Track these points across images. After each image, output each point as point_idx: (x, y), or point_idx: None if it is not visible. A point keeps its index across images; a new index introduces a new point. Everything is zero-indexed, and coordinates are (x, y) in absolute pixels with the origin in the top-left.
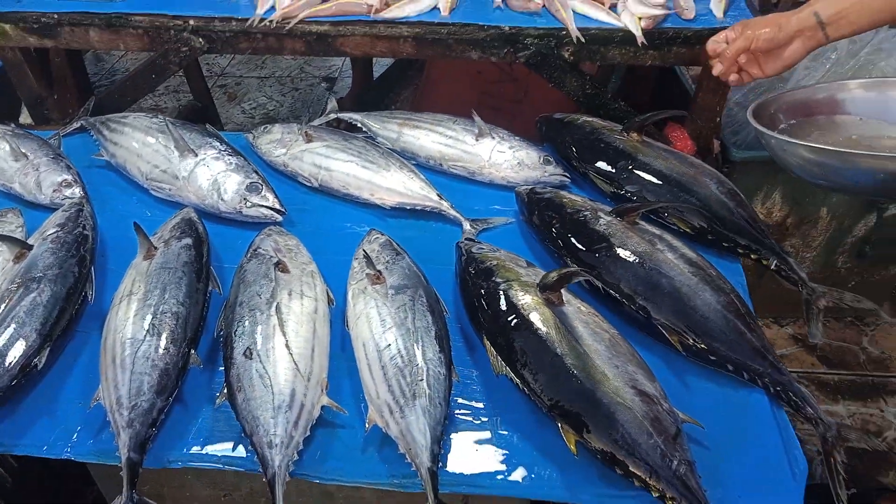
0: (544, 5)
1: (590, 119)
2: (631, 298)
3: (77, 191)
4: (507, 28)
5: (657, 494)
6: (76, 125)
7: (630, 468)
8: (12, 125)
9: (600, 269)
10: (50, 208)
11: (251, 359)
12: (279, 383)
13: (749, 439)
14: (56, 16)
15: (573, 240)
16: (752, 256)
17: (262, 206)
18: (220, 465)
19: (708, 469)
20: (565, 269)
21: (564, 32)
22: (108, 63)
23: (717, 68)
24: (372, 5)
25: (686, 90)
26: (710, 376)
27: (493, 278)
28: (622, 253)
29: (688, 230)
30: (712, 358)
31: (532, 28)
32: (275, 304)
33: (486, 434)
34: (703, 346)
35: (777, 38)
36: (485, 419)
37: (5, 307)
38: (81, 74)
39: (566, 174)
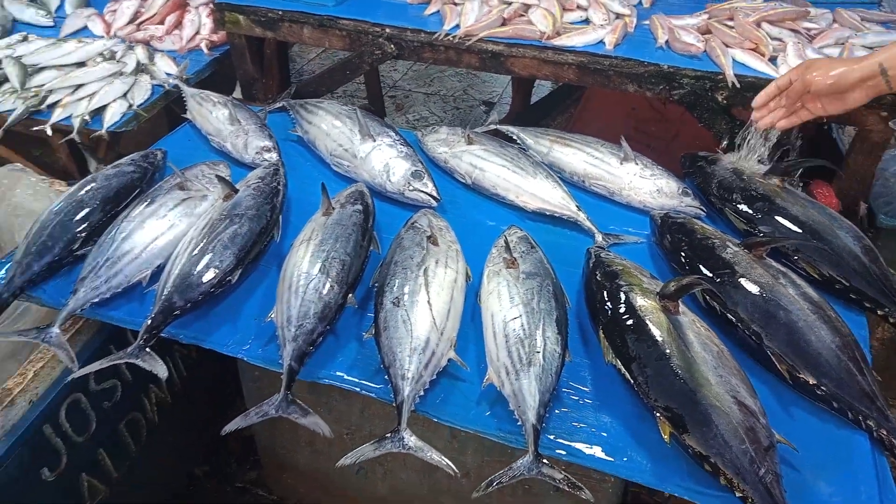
0: (705, 50)
1: (734, 159)
2: (745, 323)
3: (274, 156)
4: (665, 66)
5: (740, 495)
6: (279, 104)
7: (718, 465)
8: (231, 97)
9: (720, 294)
10: (251, 166)
11: (398, 307)
12: (418, 330)
13: (843, 474)
14: (280, 12)
15: (699, 263)
16: (879, 312)
17: (422, 191)
18: (358, 389)
19: (794, 488)
20: (685, 279)
21: (721, 77)
22: (299, 64)
23: (764, 120)
24: (544, 32)
25: (838, 150)
26: (813, 410)
27: (617, 280)
28: (744, 281)
29: (815, 276)
30: (818, 393)
31: (690, 69)
32: (423, 267)
33: (588, 413)
34: (811, 380)
35: (839, 85)
36: (588, 401)
37: (214, 234)
38: (284, 66)
39: (702, 207)
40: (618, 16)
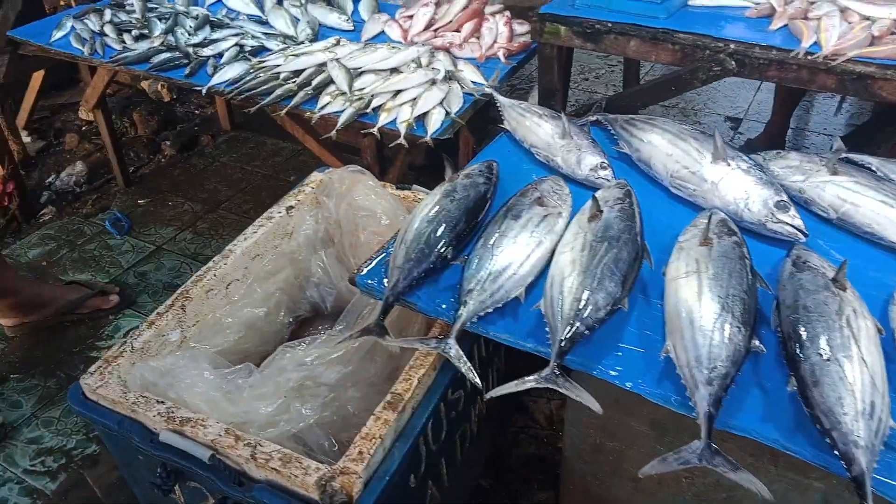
0: None
1: None
2: None
3: (610, 173)
4: None
5: None
6: (593, 118)
7: None
8: (555, 111)
9: None
10: (582, 184)
11: (830, 361)
12: (859, 390)
13: None
14: (609, 24)
15: None
16: None
17: (789, 224)
18: (779, 446)
19: None
20: None
21: None
22: None
23: None
24: None
25: None
26: None
27: None
28: None
29: None
30: None
31: None
32: (844, 316)
33: None
34: None
35: None
36: None
37: (597, 258)
38: (569, 78)
39: None
40: None
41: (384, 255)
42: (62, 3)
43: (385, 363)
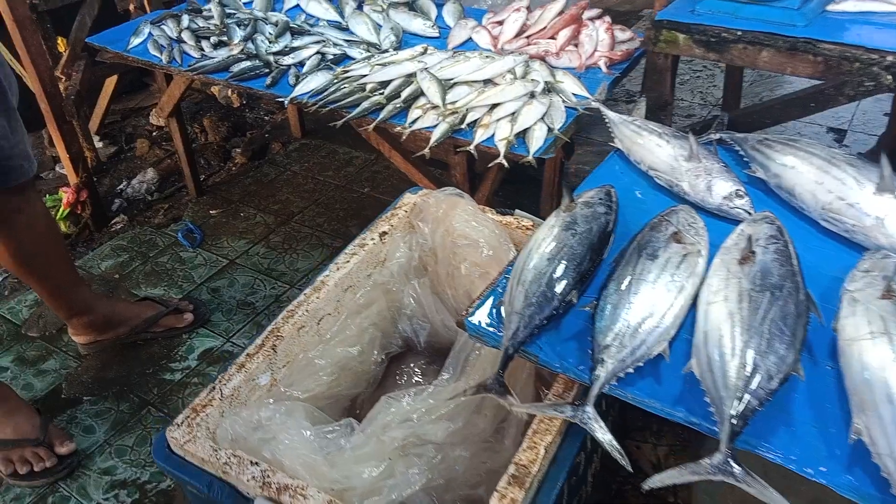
0: None
1: None
2: None
3: (747, 203)
4: None
5: None
6: (715, 136)
7: None
8: (674, 128)
9: None
10: (713, 213)
11: None
12: None
13: None
14: (739, 32)
15: None
16: None
17: None
18: None
19: None
20: None
21: None
22: None
23: None
24: None
25: None
26: None
27: None
28: None
29: None
30: None
31: None
32: None
33: None
34: None
35: None
36: None
37: (762, 313)
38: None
39: None
40: None
41: (495, 294)
42: (132, 6)
43: (494, 416)
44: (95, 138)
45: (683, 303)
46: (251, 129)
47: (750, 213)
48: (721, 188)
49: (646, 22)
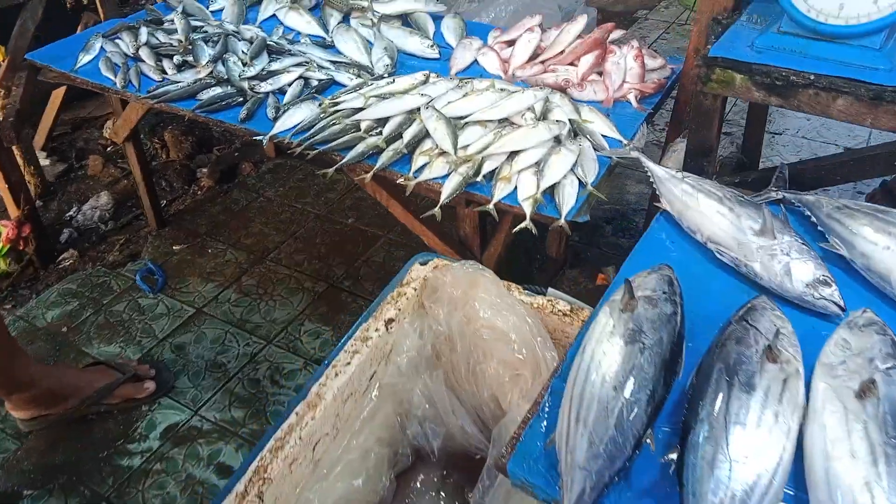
0: None
1: None
2: None
3: (835, 293)
4: None
5: None
6: (775, 196)
7: None
8: (734, 190)
9: None
10: (792, 302)
11: None
12: None
13: None
14: (811, 76)
15: None
16: None
17: None
18: None
19: None
20: None
21: None
22: None
23: None
24: None
25: None
26: None
27: None
28: None
29: None
30: None
31: None
32: None
33: None
34: None
35: None
36: None
37: None
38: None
39: None
40: None
41: (540, 423)
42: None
43: None
44: (41, 155)
45: (792, 449)
46: (219, 145)
47: (840, 306)
48: (803, 272)
49: (675, 45)
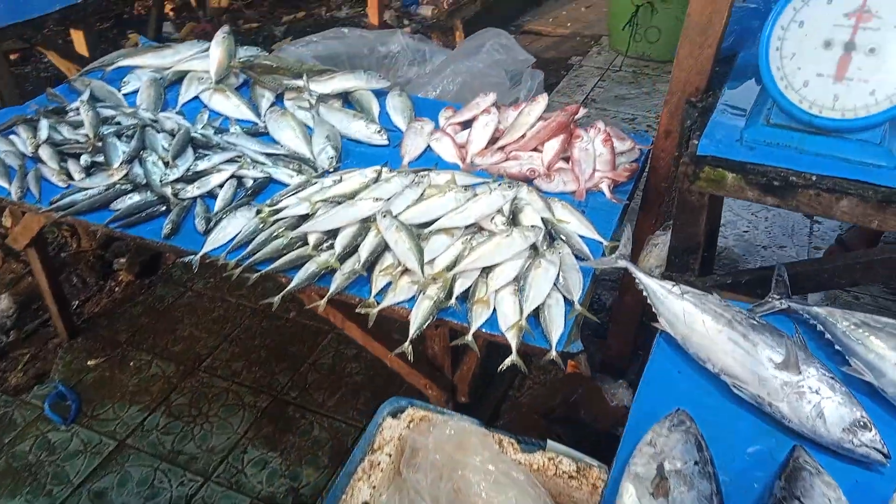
0: None
1: None
2: None
3: (877, 438)
4: None
5: None
6: (781, 305)
7: None
8: (741, 310)
9: None
10: (832, 450)
11: None
12: None
13: None
14: (812, 178)
15: None
16: None
17: None
18: None
19: None
20: None
21: None
22: None
23: None
24: None
25: None
26: None
27: None
28: None
29: None
30: None
31: None
32: None
33: None
34: None
35: None
36: None
37: None
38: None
39: None
40: None
41: None
42: None
43: None
44: None
45: None
46: None
47: (884, 454)
48: (837, 416)
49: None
